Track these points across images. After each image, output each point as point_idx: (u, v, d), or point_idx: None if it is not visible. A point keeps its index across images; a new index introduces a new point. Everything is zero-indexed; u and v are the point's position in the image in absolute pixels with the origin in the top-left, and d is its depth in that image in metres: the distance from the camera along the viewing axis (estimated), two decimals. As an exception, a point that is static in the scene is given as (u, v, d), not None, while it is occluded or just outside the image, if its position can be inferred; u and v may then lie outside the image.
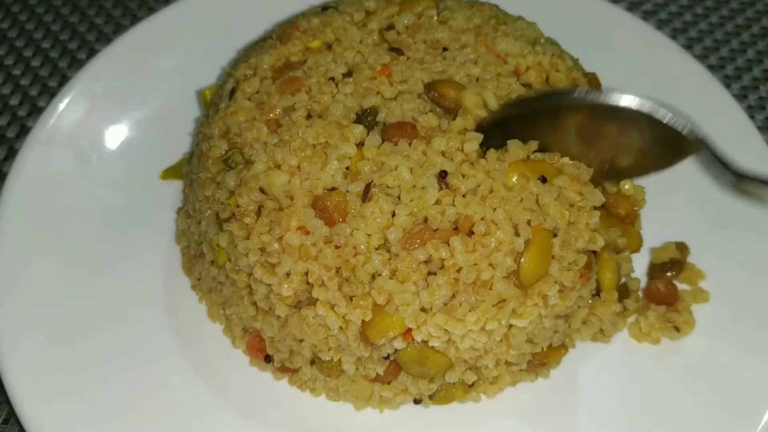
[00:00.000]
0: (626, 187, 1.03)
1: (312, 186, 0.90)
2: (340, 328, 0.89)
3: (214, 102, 1.06)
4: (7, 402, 0.96)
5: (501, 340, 0.92)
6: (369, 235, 0.88)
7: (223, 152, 0.97)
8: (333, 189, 0.90)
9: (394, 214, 0.88)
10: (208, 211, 0.98)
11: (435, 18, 1.07)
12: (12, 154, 1.27)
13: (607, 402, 0.97)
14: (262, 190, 0.91)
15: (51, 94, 1.36)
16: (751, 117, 1.32)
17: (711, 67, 1.44)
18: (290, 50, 1.04)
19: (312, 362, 0.97)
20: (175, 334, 1.03)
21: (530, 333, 0.93)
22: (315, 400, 0.99)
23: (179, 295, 1.07)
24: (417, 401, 0.97)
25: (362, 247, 0.87)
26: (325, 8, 1.10)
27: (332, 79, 0.99)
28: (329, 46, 1.04)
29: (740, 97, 1.40)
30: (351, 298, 0.88)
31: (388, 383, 0.96)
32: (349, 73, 1.00)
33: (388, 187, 0.90)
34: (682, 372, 0.99)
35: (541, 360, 0.98)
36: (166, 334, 1.03)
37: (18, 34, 1.46)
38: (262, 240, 0.90)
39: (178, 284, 1.08)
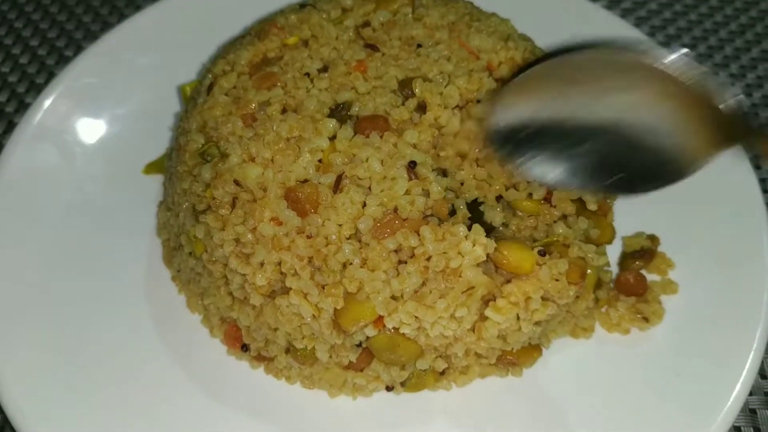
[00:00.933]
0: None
1: (285, 178, 0.92)
2: (313, 316, 0.92)
3: (193, 97, 1.08)
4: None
5: (471, 329, 0.94)
6: (340, 225, 0.90)
7: (200, 146, 0.99)
8: (305, 181, 0.93)
9: (364, 205, 0.91)
10: (186, 204, 1.01)
11: (410, 15, 1.10)
12: (-1, 149, 1.29)
13: (577, 390, 1.00)
14: (236, 183, 0.93)
15: (38, 90, 1.37)
16: (756, 114, 1.37)
17: (716, 65, 1.47)
18: (267, 46, 1.06)
19: (287, 351, 0.99)
20: (155, 324, 1.05)
21: (503, 330, 0.94)
22: (290, 388, 1.01)
23: (160, 286, 1.09)
24: (389, 388, 0.99)
25: (333, 237, 0.90)
26: (303, 5, 1.12)
27: (308, 74, 1.01)
28: (306, 43, 1.06)
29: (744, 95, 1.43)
30: (323, 287, 0.90)
31: (361, 370, 0.98)
32: (324, 69, 1.02)
33: (359, 178, 0.92)
34: (649, 360, 1.01)
35: (512, 360, 1.00)
36: (147, 324, 1.05)
37: (6, 32, 1.48)
38: (237, 231, 0.92)
39: (158, 276, 1.10)
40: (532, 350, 1.01)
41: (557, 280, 0.93)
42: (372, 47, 1.05)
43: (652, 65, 0.79)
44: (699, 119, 0.78)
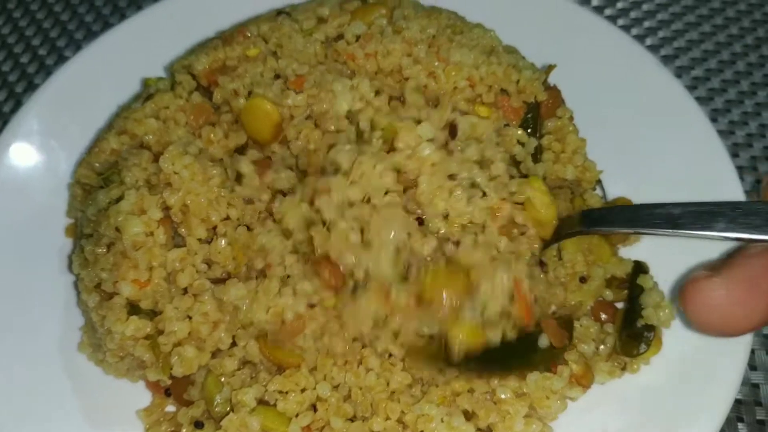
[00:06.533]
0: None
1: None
2: None
3: (141, 96, 1.06)
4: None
5: None
6: None
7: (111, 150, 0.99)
8: None
9: None
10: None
11: (389, 28, 1.04)
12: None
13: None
14: (117, 229, 0.89)
15: (35, 90, 1.36)
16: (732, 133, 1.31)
17: (696, 79, 1.40)
18: (228, 54, 1.03)
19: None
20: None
21: None
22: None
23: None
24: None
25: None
26: (279, 13, 1.09)
27: (250, 93, 0.98)
28: (274, 53, 1.03)
29: (724, 111, 1.35)
30: None
31: None
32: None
33: None
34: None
35: None
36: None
37: (10, 30, 1.49)
38: (101, 276, 0.89)
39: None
40: None
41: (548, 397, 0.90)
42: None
43: None
44: None
